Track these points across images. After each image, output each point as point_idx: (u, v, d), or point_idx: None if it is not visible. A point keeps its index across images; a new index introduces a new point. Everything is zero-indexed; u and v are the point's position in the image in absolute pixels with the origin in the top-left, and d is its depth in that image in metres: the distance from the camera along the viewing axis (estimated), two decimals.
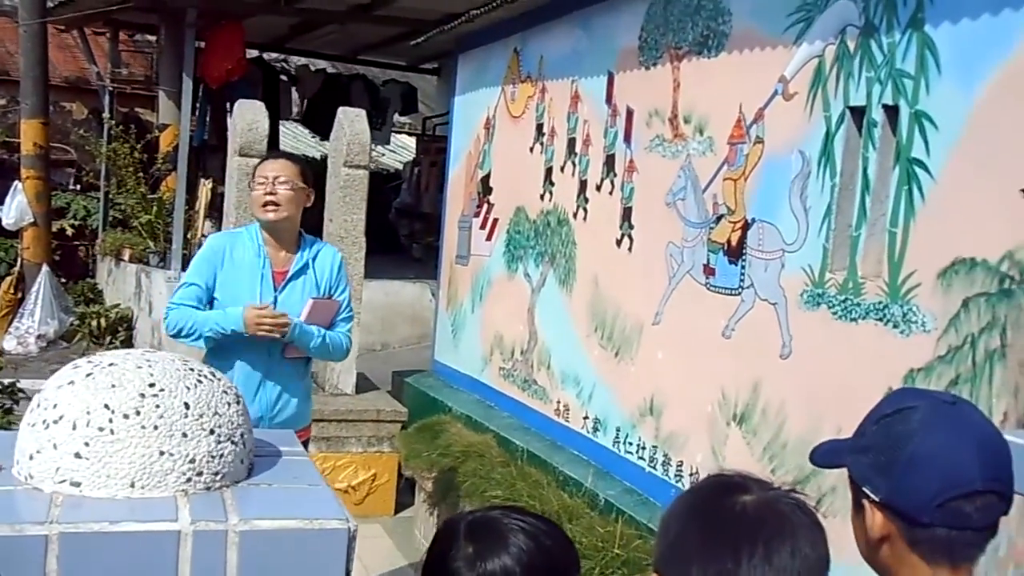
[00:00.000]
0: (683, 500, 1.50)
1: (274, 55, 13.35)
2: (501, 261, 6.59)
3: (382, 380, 7.76)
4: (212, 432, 1.48)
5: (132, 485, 1.43)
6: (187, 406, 1.46)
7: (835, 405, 3.63)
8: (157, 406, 1.45)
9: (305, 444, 4.19)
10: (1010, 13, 3.09)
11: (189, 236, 9.59)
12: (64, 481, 1.41)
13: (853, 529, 1.69)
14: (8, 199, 10.43)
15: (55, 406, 1.45)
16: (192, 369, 1.54)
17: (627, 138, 5.18)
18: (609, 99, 5.37)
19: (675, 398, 4.70)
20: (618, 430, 5.13)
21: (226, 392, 1.54)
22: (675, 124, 4.76)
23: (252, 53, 12.28)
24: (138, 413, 1.43)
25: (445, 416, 6.66)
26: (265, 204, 3.85)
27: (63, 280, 11.08)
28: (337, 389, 6.83)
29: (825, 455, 1.78)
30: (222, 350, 3.86)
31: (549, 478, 5.27)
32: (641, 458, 4.91)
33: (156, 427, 1.43)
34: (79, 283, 11.44)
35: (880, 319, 3.50)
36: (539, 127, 6.17)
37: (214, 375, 1.56)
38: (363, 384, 7.11)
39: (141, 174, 10.25)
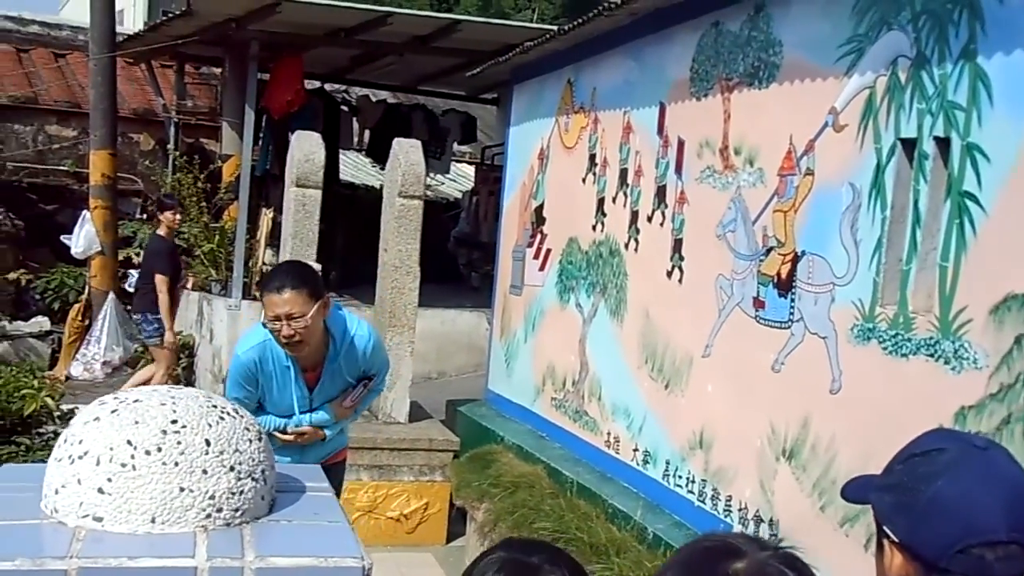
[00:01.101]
0: (674, 569, 1.45)
1: (336, 86, 13.54)
2: (553, 291, 6.59)
3: (437, 408, 7.78)
4: (232, 469, 1.49)
5: (153, 521, 1.44)
6: (208, 443, 1.48)
7: (885, 442, 3.54)
8: (178, 443, 1.47)
9: (342, 463, 4.23)
10: None
11: (250, 264, 9.73)
12: (87, 516, 1.44)
13: (876, 567, 1.65)
14: (77, 228, 10.67)
15: (81, 442, 1.48)
16: (215, 406, 1.56)
17: (678, 169, 5.16)
18: (661, 130, 5.36)
19: (724, 432, 4.65)
20: (667, 463, 5.08)
21: (248, 429, 1.55)
22: (726, 155, 4.74)
23: (314, 84, 12.48)
24: (159, 450, 1.45)
25: (497, 446, 6.66)
26: (288, 345, 3.70)
27: (129, 308, 11.30)
28: (390, 418, 6.86)
29: (854, 490, 1.75)
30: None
31: (598, 510, 5.24)
32: (690, 492, 4.86)
33: (177, 463, 1.45)
34: None
35: (931, 355, 3.44)
36: (592, 157, 6.18)
37: (237, 412, 1.57)
38: (416, 413, 7.14)
39: (204, 203, 10.43)
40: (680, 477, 4.97)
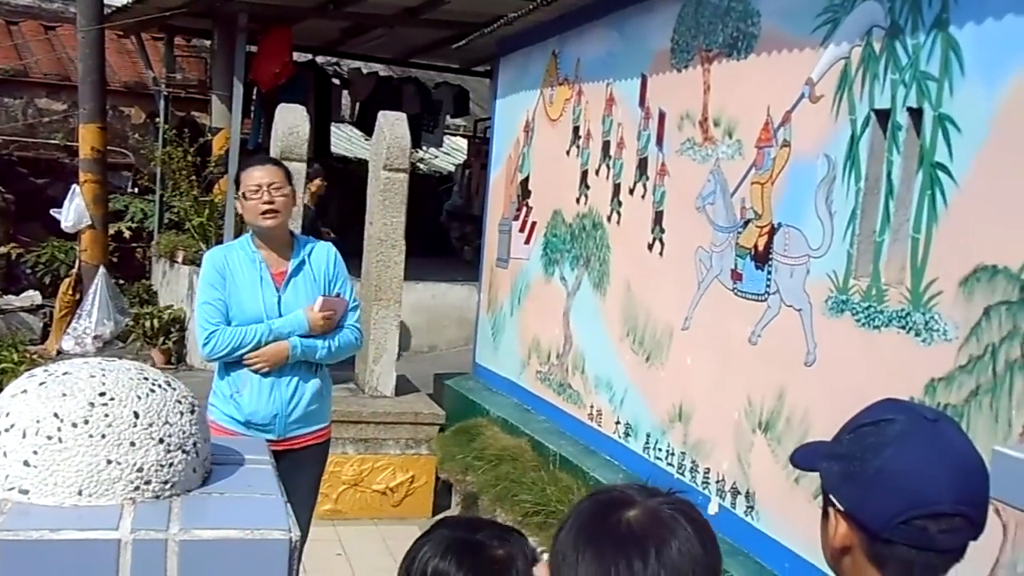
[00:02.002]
0: (569, 525, 1.47)
1: (327, 59, 13.48)
2: (539, 264, 6.58)
3: (427, 382, 7.79)
4: (162, 441, 1.48)
5: (79, 493, 1.44)
6: (137, 415, 1.47)
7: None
8: (106, 415, 1.46)
9: (326, 444, 4.21)
10: None
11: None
12: (13, 488, 1.43)
13: (821, 535, 1.64)
14: (67, 202, 10.64)
15: (7, 415, 1.47)
16: (147, 378, 1.55)
17: (659, 141, 5.13)
18: (642, 102, 5.33)
19: (703, 404, 4.65)
20: (648, 436, 5.09)
21: (180, 401, 1.54)
22: (705, 127, 4.71)
23: (305, 57, 12.43)
24: (87, 422, 1.44)
25: (482, 419, 6.67)
26: (265, 212, 3.86)
27: (120, 281, 11.29)
28: (376, 391, 6.86)
29: (804, 456, 1.74)
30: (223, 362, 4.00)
31: (579, 483, 5.25)
32: (670, 464, 4.87)
33: (104, 436, 1.44)
34: (135, 284, 11.65)
35: (902, 327, 3.43)
36: (575, 130, 6.15)
37: (169, 384, 1.57)
38: (403, 386, 7.14)
39: (194, 177, 10.40)
40: (660, 450, 4.98)
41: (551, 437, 5.91)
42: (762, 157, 4.27)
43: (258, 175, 3.88)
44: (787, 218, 4.08)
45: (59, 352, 10.23)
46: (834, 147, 3.81)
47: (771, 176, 4.19)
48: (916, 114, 3.43)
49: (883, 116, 3.59)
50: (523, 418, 6.39)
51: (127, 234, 11.96)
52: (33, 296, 11.37)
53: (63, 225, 10.72)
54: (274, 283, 3.95)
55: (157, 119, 11.82)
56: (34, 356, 9.03)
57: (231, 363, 3.94)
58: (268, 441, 3.87)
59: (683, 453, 4.77)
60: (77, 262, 10.90)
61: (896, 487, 1.50)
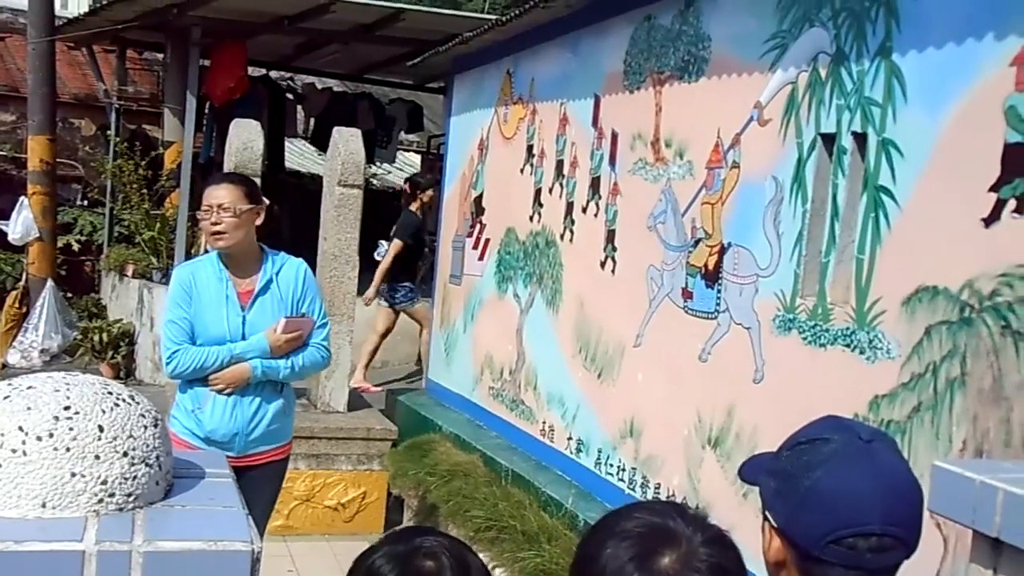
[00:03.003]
0: (604, 559, 1.42)
1: (281, 73, 13.45)
2: (492, 281, 6.63)
3: (380, 398, 7.79)
4: (126, 454, 1.51)
5: (43, 506, 1.46)
6: (101, 429, 1.49)
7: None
8: (71, 428, 1.48)
9: (285, 461, 4.22)
10: (973, 42, 3.11)
11: (192, 252, 9.65)
12: None
13: (762, 548, 1.69)
14: (14, 214, 10.51)
15: None
16: (111, 393, 1.57)
17: (612, 161, 5.21)
18: (595, 122, 5.41)
19: (654, 420, 4.72)
20: (600, 451, 5.14)
21: (143, 415, 1.57)
22: (657, 148, 4.80)
23: (259, 71, 12.40)
24: (51, 435, 1.46)
25: (435, 435, 6.69)
26: (213, 234, 3.83)
27: (69, 295, 11.16)
28: (329, 407, 6.85)
29: (749, 470, 1.78)
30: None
31: (532, 498, 5.29)
32: (621, 480, 4.92)
33: (69, 449, 1.46)
34: (84, 298, 11.52)
35: (847, 345, 3.52)
36: (529, 148, 6.22)
37: (133, 398, 1.59)
38: (356, 402, 7.13)
39: (145, 191, 10.33)
40: (612, 465, 5.04)
41: (503, 453, 5.95)
42: (712, 178, 4.36)
43: (210, 195, 3.86)
44: (736, 238, 4.17)
45: (4, 366, 10.08)
46: (782, 169, 3.90)
47: (721, 197, 4.28)
48: (860, 138, 3.53)
49: (829, 140, 3.69)
50: (475, 434, 6.42)
51: (76, 247, 11.83)
52: None
53: (10, 237, 10.59)
54: (239, 302, 3.90)
55: (108, 132, 11.71)
56: None
57: (192, 381, 3.94)
58: (227, 457, 3.89)
59: (634, 468, 4.83)
60: (24, 275, 10.76)
61: (825, 506, 1.54)
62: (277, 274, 3.98)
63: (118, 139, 11.07)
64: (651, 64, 4.87)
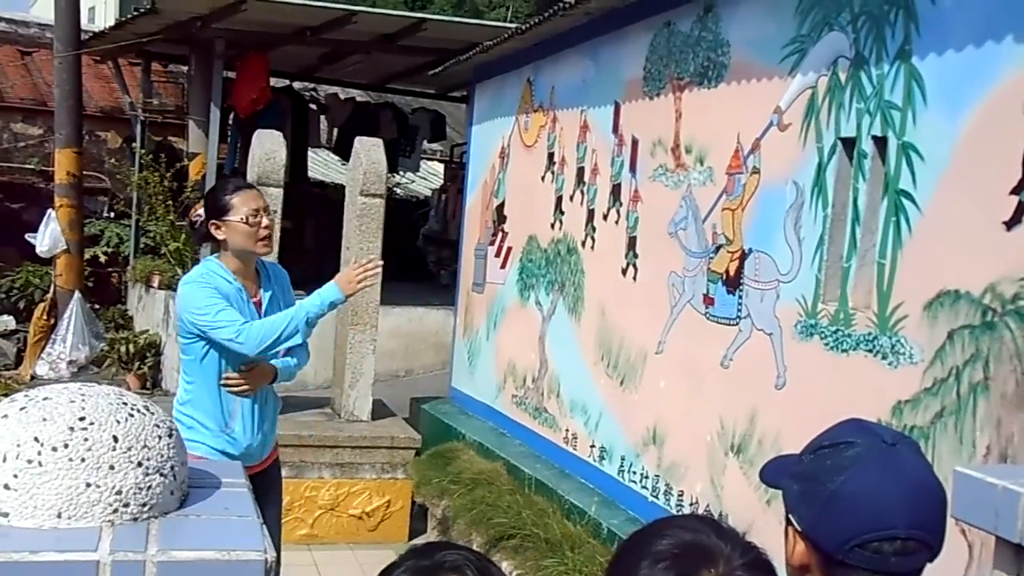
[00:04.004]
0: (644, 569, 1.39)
1: (305, 84, 13.52)
2: (514, 289, 6.63)
3: (403, 406, 7.81)
4: (140, 464, 1.52)
5: (59, 516, 1.47)
6: (116, 439, 1.51)
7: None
8: (86, 439, 1.49)
9: (276, 462, 4.16)
10: (993, 45, 3.09)
11: None
12: None
13: (784, 550, 1.68)
14: (42, 227, 10.61)
15: None
16: (125, 403, 1.58)
17: (632, 167, 5.21)
18: (616, 129, 5.40)
19: (676, 427, 4.70)
20: (623, 459, 5.13)
21: (158, 426, 1.58)
22: (677, 154, 4.79)
23: (282, 82, 12.47)
24: (66, 446, 1.48)
25: (459, 443, 6.70)
26: (264, 238, 3.72)
27: (96, 306, 11.25)
28: (353, 416, 6.87)
29: (771, 473, 1.77)
30: (211, 392, 3.79)
31: (555, 506, 5.28)
32: (644, 487, 4.91)
33: (84, 459, 1.48)
34: (110, 309, 11.61)
35: (870, 350, 3.50)
36: (550, 156, 6.22)
37: (148, 409, 1.60)
38: (379, 411, 7.16)
39: (170, 202, 10.40)
40: (635, 473, 5.02)
41: (526, 461, 5.95)
42: (733, 183, 4.34)
43: (253, 200, 3.73)
44: (757, 243, 4.15)
45: (33, 377, 10.17)
46: (802, 174, 3.89)
47: (741, 202, 4.27)
48: (881, 142, 3.51)
49: (849, 144, 3.67)
50: (499, 442, 6.42)
51: (103, 259, 11.92)
52: (7, 321, 11.31)
53: (38, 250, 10.69)
54: (256, 310, 3.82)
55: (133, 144, 11.81)
56: (8, 381, 8.98)
57: (213, 392, 3.76)
58: (247, 467, 3.89)
59: (657, 476, 4.81)
60: (52, 287, 10.86)
61: (850, 511, 1.53)
62: (274, 280, 3.93)
63: (144, 151, 11.16)
64: (671, 70, 4.87)
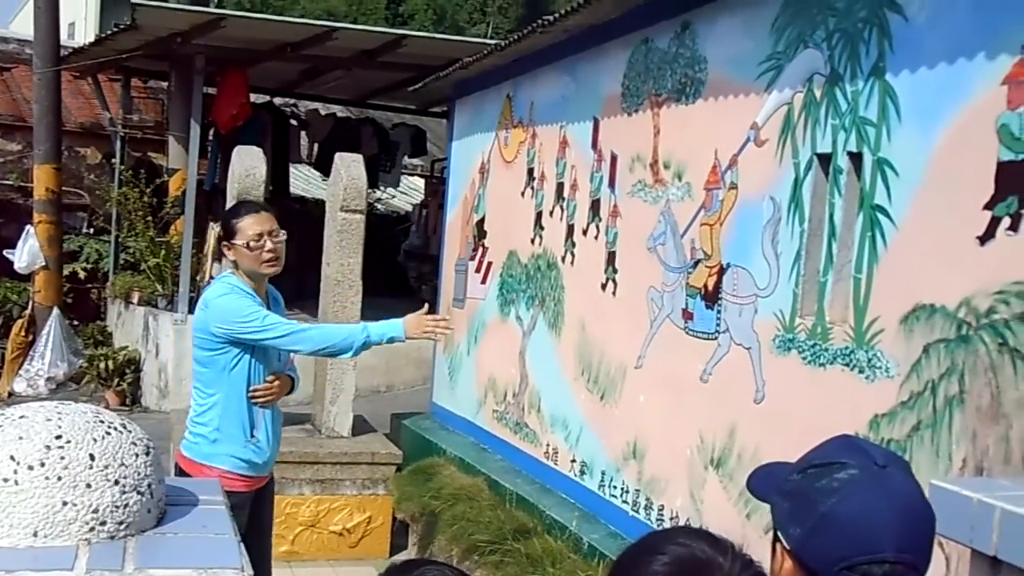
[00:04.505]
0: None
1: (285, 100, 13.53)
2: (495, 304, 6.64)
3: (384, 422, 7.79)
4: (117, 483, 1.52)
5: (35, 534, 1.47)
6: (92, 457, 1.51)
7: (806, 451, 3.64)
8: (62, 458, 1.49)
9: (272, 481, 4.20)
10: (965, 62, 3.13)
11: (197, 279, 9.70)
12: None
13: (769, 564, 1.68)
14: (21, 243, 10.58)
15: None
16: (102, 421, 1.58)
17: (611, 183, 5.23)
18: (595, 144, 5.43)
19: (656, 442, 4.71)
20: (603, 473, 5.14)
21: (135, 444, 1.58)
22: (655, 169, 4.82)
23: (263, 98, 12.47)
24: (43, 464, 1.48)
25: (440, 458, 6.69)
26: (268, 260, 3.82)
27: (75, 322, 11.20)
28: (333, 432, 6.85)
29: (758, 484, 1.76)
30: (239, 402, 3.87)
31: (536, 521, 5.28)
32: (625, 502, 4.92)
33: (60, 478, 1.48)
34: (89, 326, 11.56)
35: (847, 364, 3.52)
36: (530, 171, 6.24)
37: (125, 427, 1.60)
38: (360, 426, 7.13)
39: (150, 218, 10.39)
40: (615, 487, 5.03)
41: (507, 476, 5.95)
42: (711, 199, 4.37)
43: (258, 224, 3.83)
44: (735, 258, 4.18)
45: (11, 394, 10.12)
46: (779, 190, 3.92)
47: (719, 217, 4.30)
48: (856, 158, 3.55)
49: (825, 160, 3.70)
50: (479, 457, 6.42)
51: (82, 275, 11.88)
52: None
53: (16, 266, 10.65)
54: None
55: (113, 160, 11.79)
56: None
57: (241, 403, 3.84)
58: (260, 477, 3.96)
59: (637, 490, 4.82)
60: (30, 303, 10.81)
61: (840, 533, 1.53)
62: (274, 297, 4.06)
63: (123, 167, 11.14)
64: (649, 86, 4.90)
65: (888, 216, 3.37)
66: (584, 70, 5.59)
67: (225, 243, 3.86)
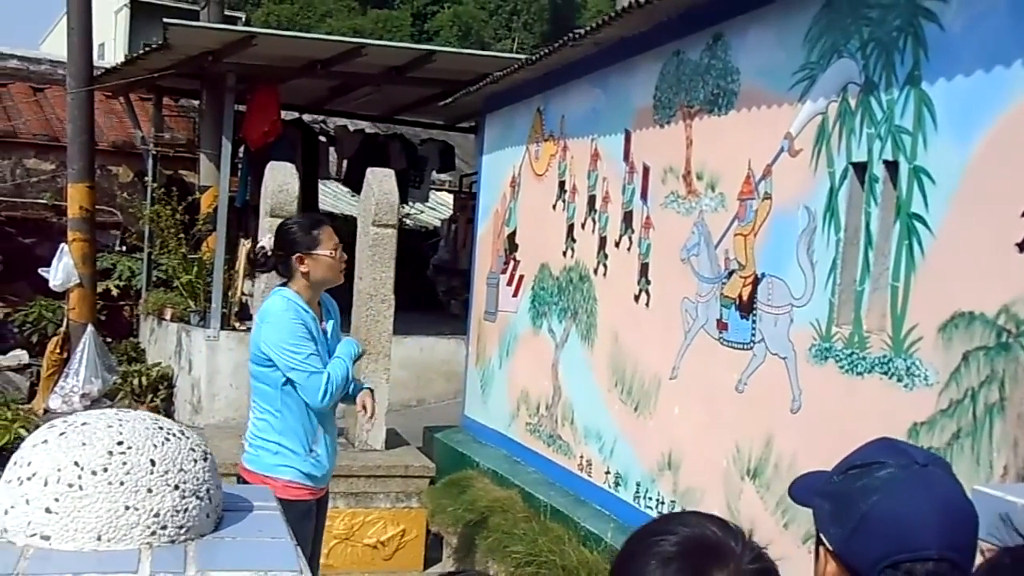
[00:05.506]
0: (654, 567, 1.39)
1: (314, 116, 13.63)
2: (527, 317, 6.66)
3: (416, 436, 7.82)
4: (177, 488, 1.55)
5: (99, 538, 1.50)
6: (153, 463, 1.54)
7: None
8: (124, 463, 1.52)
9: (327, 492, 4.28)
10: (1002, 69, 3.13)
11: (229, 295, 9.78)
12: (35, 535, 1.49)
13: (813, 567, 1.69)
14: (55, 261, 10.69)
15: (29, 464, 1.54)
16: (161, 428, 1.62)
17: (644, 195, 5.25)
18: (627, 156, 5.45)
19: (692, 453, 4.71)
20: (638, 485, 5.14)
21: (193, 450, 1.61)
22: (688, 181, 4.83)
23: (292, 115, 12.58)
24: (105, 470, 1.51)
25: (473, 471, 6.70)
26: (343, 269, 4.02)
27: (108, 340, 11.30)
28: (367, 445, 6.88)
29: (801, 491, 1.76)
30: (297, 417, 3.94)
31: (571, 533, 5.29)
32: (661, 513, 4.91)
33: (123, 483, 1.51)
34: (123, 342, 11.66)
35: (885, 373, 3.52)
36: (561, 184, 6.27)
37: (183, 433, 1.64)
38: (393, 440, 7.17)
39: (182, 235, 10.48)
40: (650, 499, 5.03)
41: (541, 488, 5.95)
42: (744, 209, 4.38)
43: (334, 235, 3.98)
44: (770, 268, 4.18)
45: (46, 411, 10.20)
46: (814, 199, 3.92)
47: (754, 228, 4.30)
48: (892, 167, 3.55)
49: (860, 169, 3.71)
50: (513, 469, 6.43)
51: (115, 292, 11.99)
52: (20, 355, 11.36)
53: (51, 284, 10.75)
54: (324, 335, 4.04)
55: (145, 178, 11.92)
56: (26, 414, 9.02)
57: (303, 417, 3.91)
58: (322, 488, 4.02)
59: (673, 502, 4.82)
60: (65, 321, 10.91)
61: (883, 532, 1.53)
62: (329, 311, 4.14)
63: (155, 185, 11.26)
64: (681, 98, 4.92)
65: (925, 224, 3.37)
66: (615, 83, 5.61)
67: (301, 255, 3.91)
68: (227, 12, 15.06)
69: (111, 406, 10.26)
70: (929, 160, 3.38)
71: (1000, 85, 3.13)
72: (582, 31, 5.42)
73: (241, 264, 9.73)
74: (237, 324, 9.69)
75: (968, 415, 3.16)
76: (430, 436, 7.71)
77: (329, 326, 4.09)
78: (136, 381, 10.16)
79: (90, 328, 10.61)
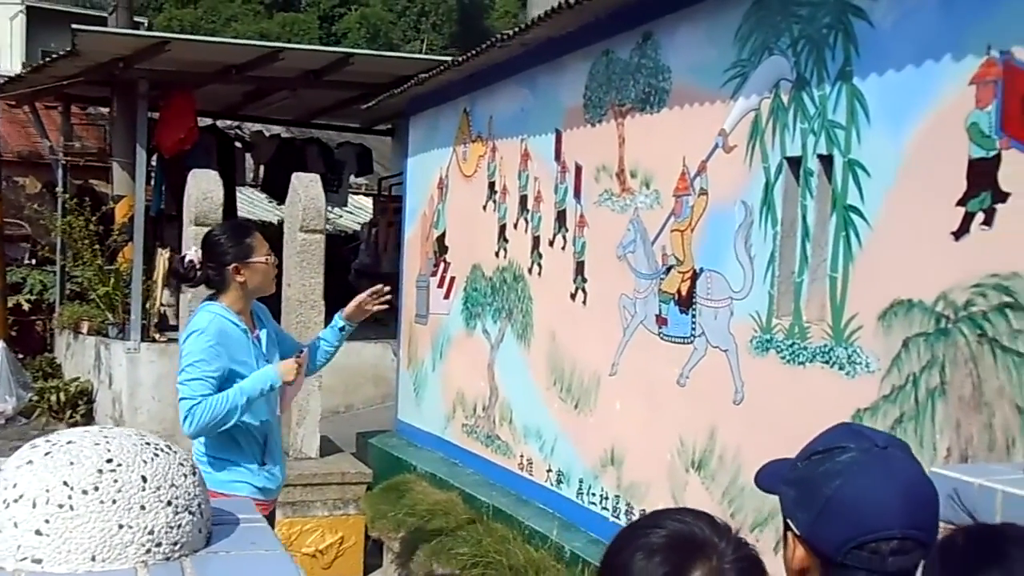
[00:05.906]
0: (638, 561, 1.42)
1: (228, 122, 13.41)
2: (460, 318, 6.65)
3: (346, 442, 7.75)
4: (170, 503, 1.52)
5: (93, 559, 1.46)
6: (144, 479, 1.51)
7: (787, 449, 3.66)
8: (115, 481, 1.49)
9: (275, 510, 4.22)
10: (932, 64, 3.23)
11: (148, 306, 9.56)
12: (26, 559, 1.45)
13: (783, 555, 1.73)
14: None
15: (15, 485, 1.49)
16: (148, 443, 1.58)
17: (577, 194, 5.29)
18: (558, 156, 5.49)
19: (635, 447, 4.76)
20: (581, 481, 5.17)
21: (183, 464, 1.58)
22: (622, 179, 4.88)
23: (206, 121, 12.36)
24: (96, 489, 1.47)
25: (410, 475, 6.68)
26: (275, 276, 3.91)
27: (21, 356, 10.97)
28: (301, 453, 6.81)
29: (767, 478, 1.81)
30: (245, 430, 3.79)
31: (515, 532, 5.30)
32: (604, 508, 4.96)
33: (115, 501, 1.47)
34: (37, 358, 11.34)
35: (826, 362, 3.60)
36: (491, 185, 6.28)
37: (170, 448, 1.60)
38: (327, 447, 7.10)
39: (97, 246, 10.22)
40: (594, 495, 5.07)
41: (482, 489, 5.96)
42: (680, 205, 4.44)
43: (265, 242, 3.86)
44: (708, 263, 4.25)
45: None
46: (750, 194, 4.00)
47: (690, 223, 4.37)
48: (827, 160, 3.64)
49: (795, 163, 3.79)
50: (451, 472, 6.42)
51: (26, 307, 11.65)
52: None
53: None
54: (257, 345, 3.85)
55: (55, 188, 11.59)
56: None
57: (244, 435, 3.77)
58: (272, 501, 3.93)
59: (617, 496, 4.86)
60: None
61: (847, 514, 1.58)
62: (261, 319, 3.99)
63: (66, 195, 10.96)
64: (612, 97, 4.97)
65: (861, 216, 3.46)
66: (543, 83, 5.64)
67: (237, 265, 3.74)
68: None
69: (28, 424, 9.97)
70: (863, 153, 3.47)
71: (931, 78, 3.23)
72: (510, 32, 5.44)
73: (159, 274, 9.51)
74: (157, 336, 9.49)
75: (911, 400, 3.26)
76: (364, 442, 7.65)
77: (263, 334, 3.93)
78: (54, 397, 9.89)
79: (1, 344, 10.29)
